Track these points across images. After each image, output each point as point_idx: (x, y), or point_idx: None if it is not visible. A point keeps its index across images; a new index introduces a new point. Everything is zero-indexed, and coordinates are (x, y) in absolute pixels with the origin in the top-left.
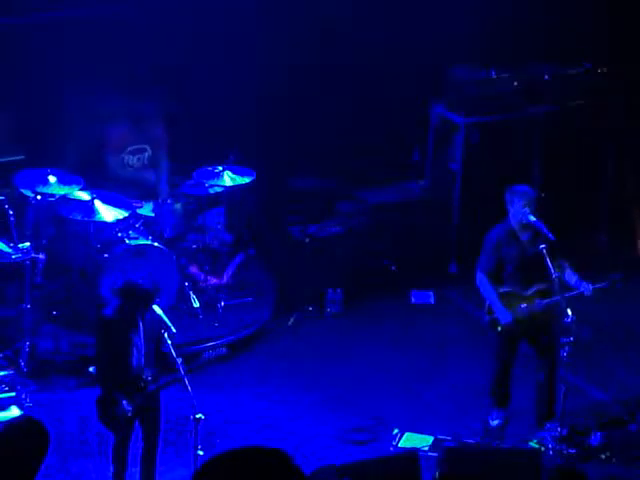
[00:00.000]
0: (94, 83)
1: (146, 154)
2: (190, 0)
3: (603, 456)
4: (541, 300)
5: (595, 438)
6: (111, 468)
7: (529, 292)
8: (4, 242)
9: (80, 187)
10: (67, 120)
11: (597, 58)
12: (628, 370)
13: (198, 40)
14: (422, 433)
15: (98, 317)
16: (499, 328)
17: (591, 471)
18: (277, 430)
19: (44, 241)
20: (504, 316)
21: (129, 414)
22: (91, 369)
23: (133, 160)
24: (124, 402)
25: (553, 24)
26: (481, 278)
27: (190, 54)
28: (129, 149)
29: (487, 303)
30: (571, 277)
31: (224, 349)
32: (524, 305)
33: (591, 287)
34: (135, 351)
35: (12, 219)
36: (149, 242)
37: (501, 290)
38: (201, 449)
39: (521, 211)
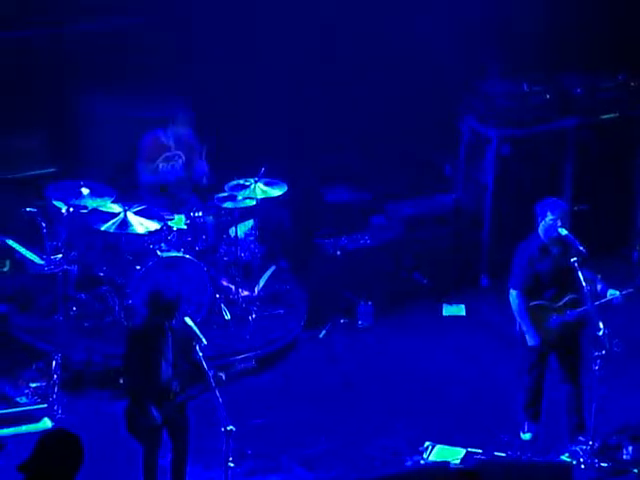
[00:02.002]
0: (125, 93)
1: (180, 162)
2: (221, 11)
3: (636, 470)
4: (572, 310)
5: (627, 452)
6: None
7: (560, 303)
8: (37, 254)
9: (112, 199)
10: (99, 131)
11: (630, 70)
12: None
13: (231, 51)
14: (453, 446)
15: (127, 328)
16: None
17: None
18: (310, 442)
19: (76, 253)
20: (532, 338)
21: (157, 424)
22: (121, 381)
23: (167, 168)
24: (152, 412)
25: (586, 36)
26: (514, 296)
27: (222, 65)
28: (163, 156)
29: (518, 320)
30: (599, 287)
31: (252, 362)
32: (555, 316)
33: (619, 294)
34: (164, 362)
35: (45, 231)
36: (181, 254)
37: (532, 303)
38: (232, 461)
39: (553, 224)
